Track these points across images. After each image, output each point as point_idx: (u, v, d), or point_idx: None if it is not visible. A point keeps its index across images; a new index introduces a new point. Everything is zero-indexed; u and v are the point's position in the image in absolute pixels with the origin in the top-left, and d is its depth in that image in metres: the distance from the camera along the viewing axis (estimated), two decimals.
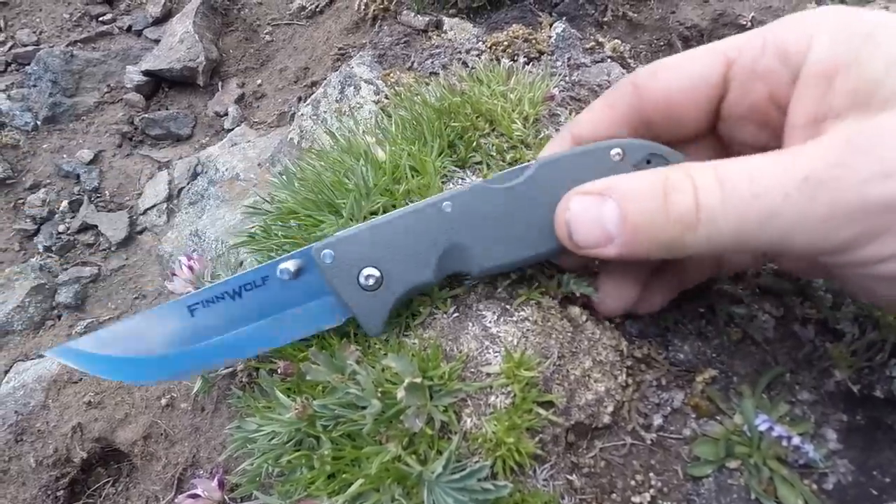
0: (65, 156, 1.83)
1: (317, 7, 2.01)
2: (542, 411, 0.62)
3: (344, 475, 0.61)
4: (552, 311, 0.70)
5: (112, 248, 1.64)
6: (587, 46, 1.32)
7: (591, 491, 0.63)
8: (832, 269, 0.52)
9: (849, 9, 0.49)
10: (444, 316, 0.70)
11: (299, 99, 1.83)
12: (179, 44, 2.00)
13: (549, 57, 1.27)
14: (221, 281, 0.67)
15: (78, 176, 1.78)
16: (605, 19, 1.55)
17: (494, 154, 0.89)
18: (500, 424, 0.60)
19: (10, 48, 2.08)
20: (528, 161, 0.76)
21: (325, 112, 1.32)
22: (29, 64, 1.99)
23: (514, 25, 1.35)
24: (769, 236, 0.44)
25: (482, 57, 1.29)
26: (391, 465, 0.59)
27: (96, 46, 2.13)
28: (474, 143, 0.89)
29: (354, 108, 1.24)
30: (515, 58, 1.25)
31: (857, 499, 0.61)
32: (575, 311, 0.71)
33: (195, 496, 0.79)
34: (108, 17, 2.21)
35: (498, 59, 1.26)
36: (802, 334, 0.70)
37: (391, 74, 1.30)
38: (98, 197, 1.76)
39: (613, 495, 0.63)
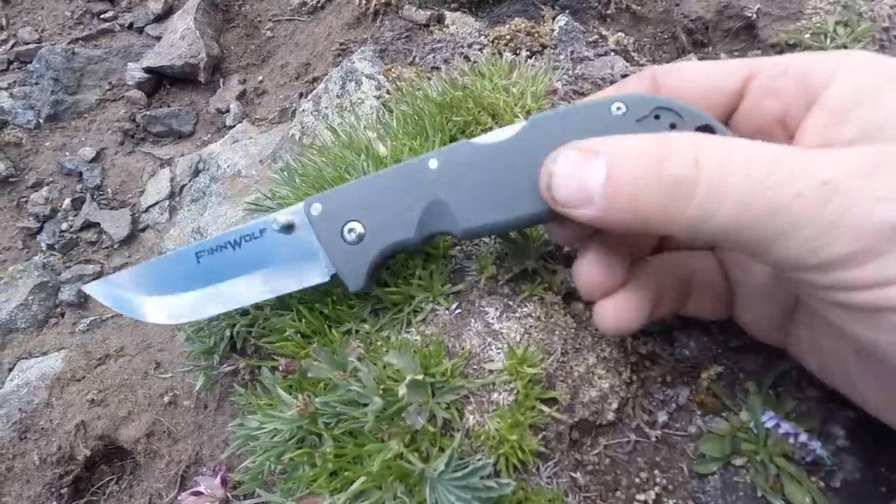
0: (67, 154, 1.83)
1: (318, 2, 2.00)
2: (545, 408, 0.62)
3: (346, 473, 0.60)
4: (555, 308, 0.69)
5: (115, 246, 1.64)
6: (590, 40, 1.31)
7: (595, 489, 0.63)
8: (808, 294, 0.49)
9: (876, 55, 0.50)
10: (447, 312, 0.70)
11: (300, 95, 1.82)
12: (181, 40, 2.00)
13: (551, 50, 1.25)
14: (225, 233, 0.72)
15: (80, 174, 1.78)
16: (609, 12, 1.53)
17: None
18: (502, 421, 0.60)
19: (12, 46, 2.08)
20: None
21: (326, 108, 1.31)
22: (31, 62, 1.99)
23: (516, 19, 1.34)
24: (762, 234, 0.42)
25: (484, 51, 1.28)
26: (393, 462, 0.59)
27: (98, 44, 2.12)
28: None
29: (356, 103, 1.23)
30: (518, 51, 1.24)
31: (865, 496, 0.60)
32: (578, 307, 0.70)
33: (198, 493, 0.80)
34: (110, 14, 2.21)
35: (500, 53, 1.25)
36: None
37: (392, 69, 1.29)
38: (100, 195, 1.76)
39: (618, 493, 0.63)
